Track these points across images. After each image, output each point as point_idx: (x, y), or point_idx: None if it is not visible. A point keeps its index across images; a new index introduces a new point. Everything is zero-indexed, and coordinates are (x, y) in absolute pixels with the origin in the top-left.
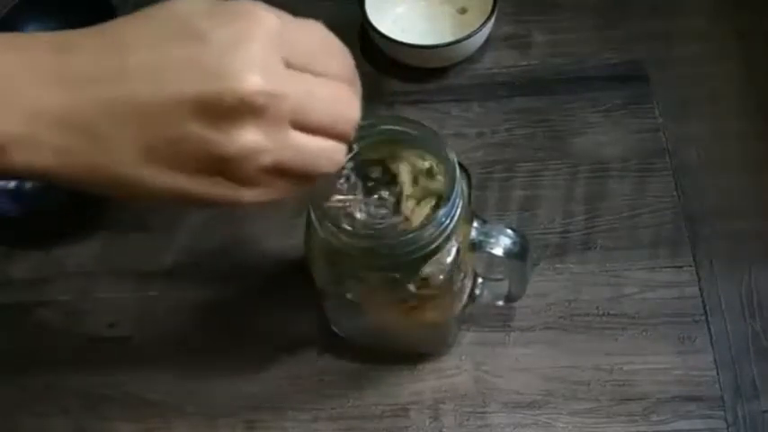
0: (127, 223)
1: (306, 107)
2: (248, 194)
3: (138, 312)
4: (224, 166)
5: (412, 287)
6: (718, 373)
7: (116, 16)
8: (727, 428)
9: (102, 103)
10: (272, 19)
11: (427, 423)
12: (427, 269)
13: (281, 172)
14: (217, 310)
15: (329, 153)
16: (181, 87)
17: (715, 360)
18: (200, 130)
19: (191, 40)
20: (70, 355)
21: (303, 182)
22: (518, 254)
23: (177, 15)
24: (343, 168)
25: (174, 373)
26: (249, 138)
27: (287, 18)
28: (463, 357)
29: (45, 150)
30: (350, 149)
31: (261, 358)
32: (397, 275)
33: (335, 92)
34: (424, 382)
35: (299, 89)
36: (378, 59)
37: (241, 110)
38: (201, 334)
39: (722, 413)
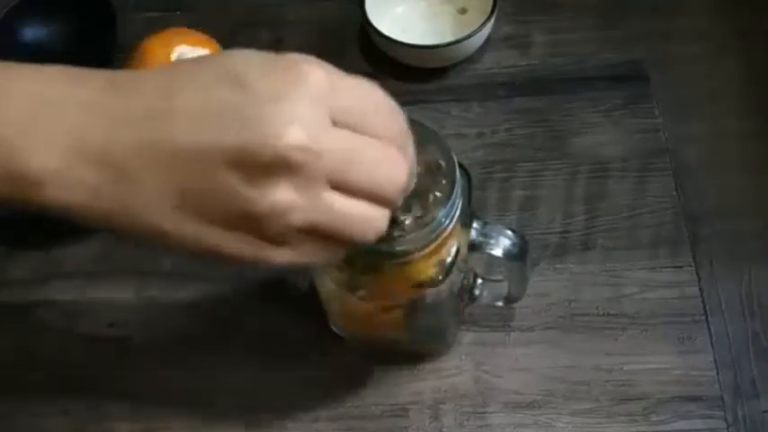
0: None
1: (347, 168)
2: (278, 255)
3: (138, 312)
4: (254, 223)
5: (410, 288)
6: (718, 373)
7: (116, 17)
8: (727, 428)
9: (140, 144)
10: (320, 74)
11: (427, 423)
12: (425, 270)
13: (314, 233)
14: (217, 310)
15: (368, 219)
16: (219, 136)
17: (715, 360)
18: (232, 183)
19: (236, 89)
20: (70, 355)
21: (338, 247)
22: (517, 255)
23: (228, 64)
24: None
25: (173, 373)
26: (282, 195)
27: (336, 75)
28: (463, 357)
29: (78, 188)
30: (393, 221)
31: (261, 358)
32: (396, 275)
33: (381, 154)
34: (424, 382)
35: (341, 148)
36: (378, 59)
37: (276, 165)
38: (201, 334)
39: (722, 413)
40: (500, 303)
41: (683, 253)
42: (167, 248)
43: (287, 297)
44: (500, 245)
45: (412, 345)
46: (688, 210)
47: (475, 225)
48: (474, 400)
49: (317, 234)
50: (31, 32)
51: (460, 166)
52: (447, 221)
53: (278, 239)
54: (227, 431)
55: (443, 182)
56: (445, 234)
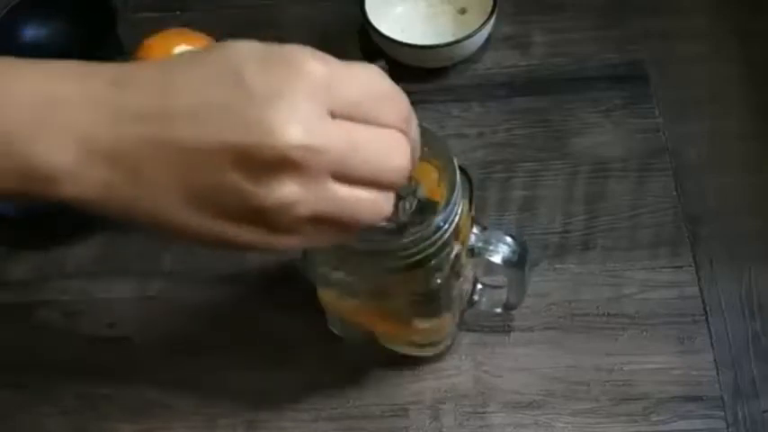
0: (127, 223)
1: (348, 159)
2: (287, 241)
3: (138, 312)
4: (261, 217)
5: (409, 291)
6: (718, 373)
7: (116, 17)
8: (727, 428)
9: (148, 142)
10: (318, 67)
11: (427, 423)
12: (424, 274)
13: (322, 221)
14: (217, 310)
15: (373, 204)
16: (221, 136)
17: (715, 360)
18: (237, 180)
19: (235, 87)
20: (70, 355)
21: (347, 230)
22: (516, 263)
23: (228, 59)
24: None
25: (174, 373)
26: (286, 191)
27: (335, 64)
28: (463, 357)
29: (92, 184)
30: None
31: (261, 358)
32: (395, 279)
33: (383, 142)
34: (424, 382)
35: (341, 142)
36: (378, 59)
37: (279, 163)
38: (201, 334)
39: (722, 413)
40: (498, 310)
41: (683, 253)
42: (182, 239)
43: (287, 297)
44: (499, 251)
45: (410, 349)
46: (688, 210)
47: (474, 230)
48: (474, 400)
49: (325, 221)
50: (31, 32)
51: (462, 170)
52: (446, 226)
53: (287, 229)
54: (227, 431)
55: (444, 186)
56: (444, 238)
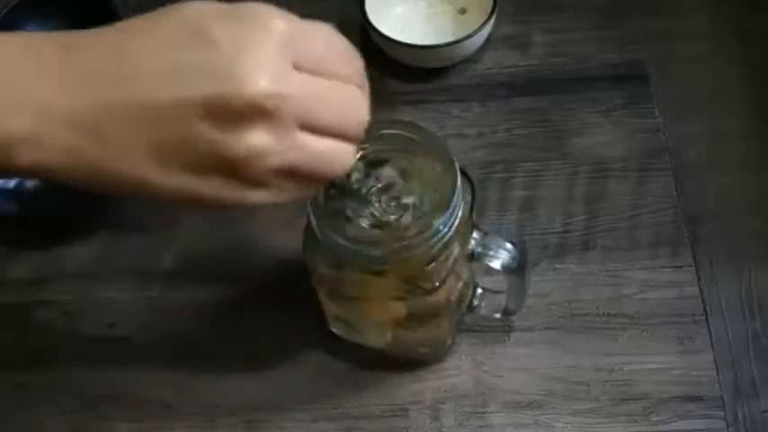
0: (127, 223)
1: (314, 109)
2: (256, 195)
3: (138, 312)
4: (232, 168)
5: (408, 294)
6: (718, 373)
7: (116, 16)
8: (727, 428)
9: (109, 104)
10: (281, 23)
11: (427, 423)
12: (423, 277)
13: (289, 173)
14: (216, 310)
15: (338, 154)
16: (190, 90)
17: (715, 360)
18: (208, 132)
19: (200, 43)
20: (70, 355)
21: (312, 183)
22: (516, 269)
23: (188, 18)
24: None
25: (173, 373)
26: (257, 139)
27: (296, 21)
28: (463, 357)
29: (52, 150)
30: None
31: (261, 358)
32: (395, 281)
33: (344, 94)
34: (423, 382)
35: (307, 91)
36: (378, 59)
37: (249, 112)
38: (201, 334)
39: (722, 413)
40: (498, 315)
41: (683, 253)
42: (150, 199)
43: (287, 297)
44: (499, 257)
45: (409, 352)
46: (688, 210)
47: (475, 235)
48: (474, 400)
49: (292, 173)
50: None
51: (463, 173)
52: (445, 229)
53: (256, 182)
54: (227, 431)
55: (444, 188)
56: (444, 241)
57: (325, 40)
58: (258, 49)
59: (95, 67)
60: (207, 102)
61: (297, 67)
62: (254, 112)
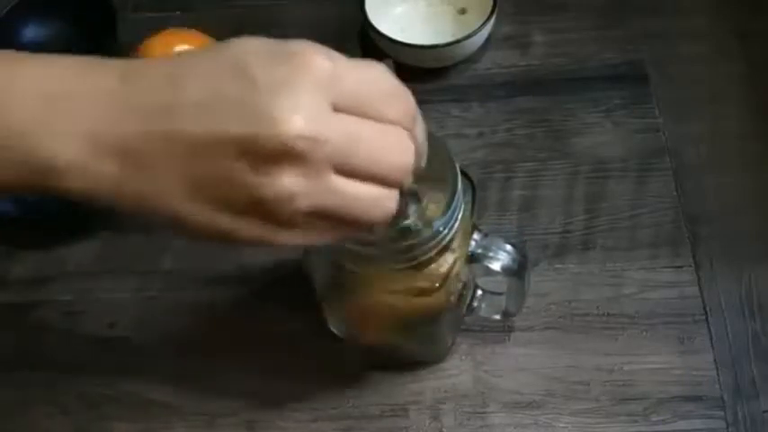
0: (127, 223)
1: (350, 152)
2: (288, 237)
3: (138, 312)
4: (261, 208)
5: (408, 294)
6: (718, 373)
7: (116, 17)
8: (727, 428)
9: (155, 137)
10: (323, 62)
11: (427, 423)
12: (423, 278)
13: (322, 216)
14: (216, 310)
15: (375, 200)
16: (226, 127)
17: (715, 360)
18: (240, 171)
19: (240, 80)
20: (70, 355)
21: (349, 227)
22: (516, 272)
23: (235, 54)
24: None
25: (173, 373)
26: (287, 182)
27: (340, 60)
28: (463, 357)
29: (97, 178)
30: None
31: (260, 358)
32: (393, 282)
33: (386, 137)
34: (423, 382)
35: (344, 133)
36: (378, 59)
37: (281, 153)
38: (201, 334)
39: (722, 413)
40: (497, 317)
41: (683, 253)
42: (187, 234)
43: (287, 297)
44: (499, 259)
45: (409, 352)
46: (688, 210)
47: (475, 236)
48: (474, 400)
49: (326, 217)
50: (31, 32)
51: (464, 174)
52: (446, 231)
53: (287, 223)
54: (227, 431)
55: (445, 190)
56: (444, 243)
57: (370, 79)
58: (295, 89)
59: (146, 97)
60: (240, 140)
61: (337, 109)
62: (285, 154)
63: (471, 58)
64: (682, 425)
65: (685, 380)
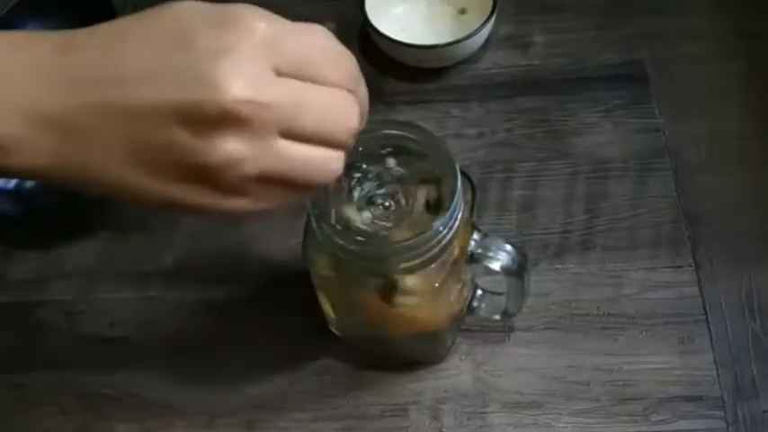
0: (127, 223)
1: (295, 116)
2: (237, 204)
3: (138, 312)
4: (206, 175)
5: (407, 294)
6: (718, 373)
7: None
8: (727, 428)
9: (92, 106)
10: (263, 25)
11: (427, 423)
12: (422, 278)
13: (270, 181)
14: (217, 310)
15: (322, 162)
16: (166, 94)
17: (715, 360)
18: (182, 138)
19: (180, 47)
20: (70, 355)
21: (297, 191)
22: (516, 272)
23: (173, 20)
24: (344, 174)
25: (173, 373)
26: (231, 147)
27: (281, 24)
28: (463, 357)
29: (39, 152)
30: (348, 157)
31: (261, 358)
32: (393, 282)
33: (330, 99)
34: (423, 382)
35: (287, 97)
36: (378, 59)
37: (223, 119)
38: (201, 334)
39: (722, 413)
40: (497, 317)
41: (683, 253)
42: (132, 202)
43: (287, 297)
44: (498, 259)
45: (409, 352)
46: (688, 210)
47: (474, 236)
48: (474, 400)
49: (273, 182)
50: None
51: (463, 173)
52: (445, 230)
53: (233, 189)
54: (227, 431)
55: (444, 189)
56: (444, 243)
57: (312, 43)
58: (236, 53)
59: (84, 69)
60: (182, 107)
61: (280, 72)
62: (228, 120)
63: (471, 58)
64: (682, 425)
65: (685, 380)
